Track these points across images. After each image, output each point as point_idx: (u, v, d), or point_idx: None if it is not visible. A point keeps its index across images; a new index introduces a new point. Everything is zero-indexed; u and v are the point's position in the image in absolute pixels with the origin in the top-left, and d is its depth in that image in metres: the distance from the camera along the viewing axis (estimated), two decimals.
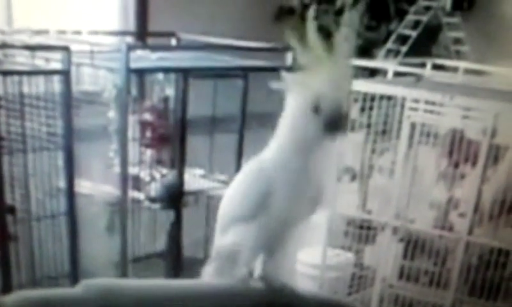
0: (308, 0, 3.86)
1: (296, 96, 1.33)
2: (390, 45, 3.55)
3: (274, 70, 3.23)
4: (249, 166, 1.42)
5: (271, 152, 1.38)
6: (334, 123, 1.30)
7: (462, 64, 3.19)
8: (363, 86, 2.87)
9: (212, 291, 1.42)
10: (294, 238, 1.44)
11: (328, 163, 1.41)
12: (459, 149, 2.90)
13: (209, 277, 1.50)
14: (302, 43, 1.30)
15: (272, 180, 1.35)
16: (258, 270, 1.42)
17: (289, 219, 1.39)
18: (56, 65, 2.59)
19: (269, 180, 1.35)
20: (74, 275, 2.71)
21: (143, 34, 3.58)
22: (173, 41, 3.45)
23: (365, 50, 3.68)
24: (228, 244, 1.43)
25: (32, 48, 2.64)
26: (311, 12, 1.32)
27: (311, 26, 1.31)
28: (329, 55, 1.30)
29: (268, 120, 3.14)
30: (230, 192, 1.46)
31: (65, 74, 2.57)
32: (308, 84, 1.31)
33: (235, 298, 1.40)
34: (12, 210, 2.60)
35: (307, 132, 1.32)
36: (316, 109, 1.30)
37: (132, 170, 2.88)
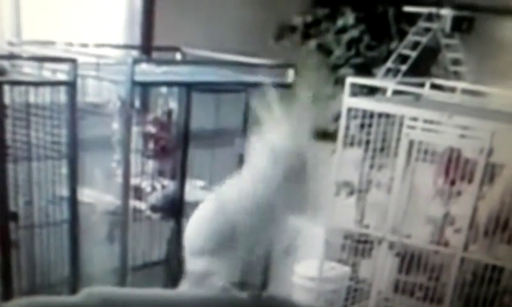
0: (310, 19, 3.92)
1: (259, 149, 1.44)
2: (390, 64, 3.60)
3: (275, 86, 3.30)
4: (213, 205, 1.49)
5: (234, 194, 1.46)
6: (292, 173, 1.41)
7: (460, 85, 3.23)
8: (362, 103, 2.92)
9: (207, 301, 1.46)
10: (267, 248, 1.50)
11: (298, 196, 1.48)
12: (455, 167, 2.94)
13: None
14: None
15: (234, 221, 1.43)
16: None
17: (257, 245, 1.47)
18: (62, 76, 2.64)
19: (232, 221, 1.43)
20: (74, 283, 2.75)
21: (148, 48, 3.63)
22: (178, 56, 3.51)
23: (365, 69, 3.73)
24: (200, 269, 1.49)
25: (39, 59, 2.69)
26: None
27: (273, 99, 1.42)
28: (287, 114, 1.40)
29: None
30: (195, 222, 1.52)
31: (71, 85, 2.62)
32: (268, 138, 1.41)
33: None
34: (15, 216, 2.64)
35: (269, 181, 1.42)
36: (275, 161, 1.40)
37: (134, 180, 2.93)
